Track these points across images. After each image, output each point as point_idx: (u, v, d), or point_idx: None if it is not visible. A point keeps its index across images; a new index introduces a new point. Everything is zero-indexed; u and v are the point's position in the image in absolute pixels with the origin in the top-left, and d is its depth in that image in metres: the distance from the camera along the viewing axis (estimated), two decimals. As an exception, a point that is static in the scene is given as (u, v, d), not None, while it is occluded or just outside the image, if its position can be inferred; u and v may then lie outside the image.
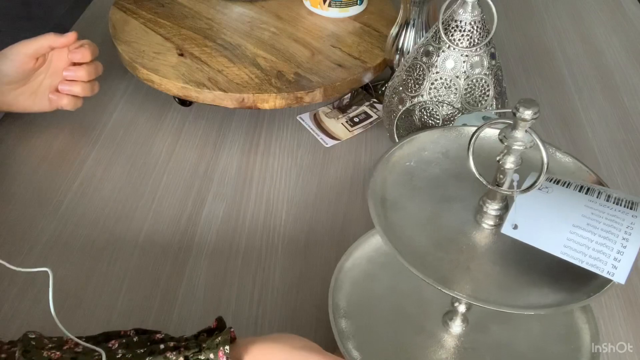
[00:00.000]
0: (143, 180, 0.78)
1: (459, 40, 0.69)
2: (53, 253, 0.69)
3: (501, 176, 0.50)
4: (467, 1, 0.68)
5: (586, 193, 0.51)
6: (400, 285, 0.65)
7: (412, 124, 0.74)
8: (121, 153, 0.82)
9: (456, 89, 0.70)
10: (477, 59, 0.70)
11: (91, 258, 0.69)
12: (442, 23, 0.70)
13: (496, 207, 0.52)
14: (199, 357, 0.49)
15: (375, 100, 0.91)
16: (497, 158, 0.50)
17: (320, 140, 0.86)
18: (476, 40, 0.69)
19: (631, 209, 0.50)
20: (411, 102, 0.73)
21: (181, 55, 0.86)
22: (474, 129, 0.50)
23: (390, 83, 0.79)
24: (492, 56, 0.71)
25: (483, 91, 0.71)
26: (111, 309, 0.64)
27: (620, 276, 0.46)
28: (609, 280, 0.47)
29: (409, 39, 0.84)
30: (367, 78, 0.88)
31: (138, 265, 0.68)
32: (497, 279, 0.49)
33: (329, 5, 0.96)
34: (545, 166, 0.46)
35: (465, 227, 0.53)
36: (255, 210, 0.75)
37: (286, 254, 0.70)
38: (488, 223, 0.52)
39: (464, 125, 0.63)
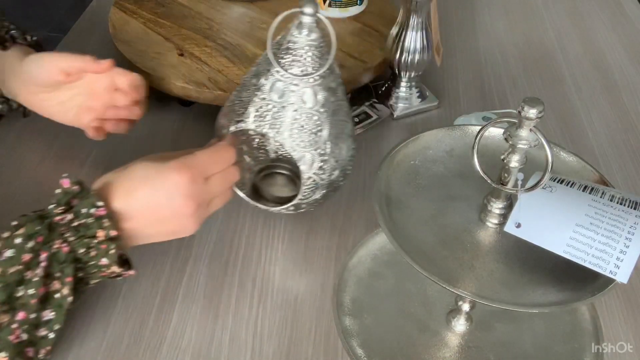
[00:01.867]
0: (143, 180, 0.78)
1: (289, 65, 0.58)
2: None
3: (506, 175, 0.50)
4: (302, 21, 0.57)
5: (590, 193, 0.51)
6: (405, 284, 0.65)
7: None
8: (121, 153, 0.82)
9: (281, 121, 0.60)
10: (309, 91, 0.59)
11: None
12: (276, 42, 0.59)
13: (500, 205, 0.52)
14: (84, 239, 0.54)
15: (375, 100, 0.91)
16: (502, 157, 0.50)
17: (321, 140, 0.85)
18: (309, 70, 0.58)
19: (635, 209, 0.50)
20: (236, 128, 0.62)
21: (181, 55, 0.86)
22: (479, 128, 0.50)
23: (229, 95, 0.67)
24: (333, 92, 0.61)
25: (315, 130, 0.60)
26: (111, 309, 0.64)
27: (622, 276, 0.46)
28: (612, 280, 0.47)
29: (409, 39, 0.84)
30: (367, 78, 0.88)
31: (138, 265, 0.68)
32: (501, 277, 0.49)
33: (329, 5, 0.96)
34: (550, 165, 0.47)
35: (470, 225, 0.53)
36: (255, 209, 0.75)
37: (286, 254, 0.70)
38: (492, 222, 0.52)
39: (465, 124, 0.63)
